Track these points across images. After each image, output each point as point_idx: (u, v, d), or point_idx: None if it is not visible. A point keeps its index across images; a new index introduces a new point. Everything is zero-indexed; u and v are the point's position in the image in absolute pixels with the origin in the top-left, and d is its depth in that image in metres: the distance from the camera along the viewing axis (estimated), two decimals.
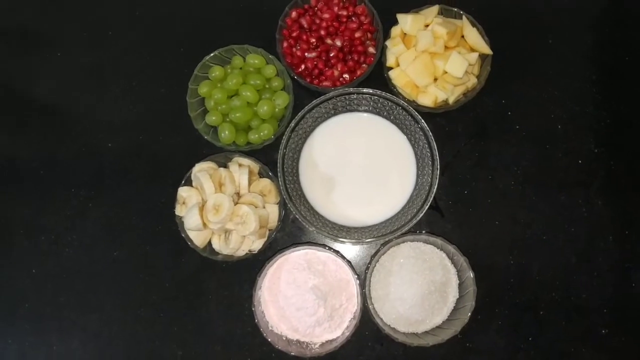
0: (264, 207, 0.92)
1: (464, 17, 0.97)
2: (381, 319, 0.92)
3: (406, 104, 0.94)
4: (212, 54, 0.98)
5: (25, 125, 1.09)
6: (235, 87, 0.97)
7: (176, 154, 1.03)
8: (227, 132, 0.96)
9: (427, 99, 0.94)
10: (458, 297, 0.93)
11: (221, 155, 0.96)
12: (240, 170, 0.91)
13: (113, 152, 1.05)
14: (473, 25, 0.96)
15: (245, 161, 0.94)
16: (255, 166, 0.95)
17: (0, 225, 1.05)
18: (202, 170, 0.91)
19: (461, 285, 0.94)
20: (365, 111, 0.99)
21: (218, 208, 0.88)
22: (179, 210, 0.92)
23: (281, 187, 0.92)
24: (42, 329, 1.01)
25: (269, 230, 0.94)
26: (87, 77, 1.10)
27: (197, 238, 0.92)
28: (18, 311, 1.02)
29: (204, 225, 0.89)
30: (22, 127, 1.09)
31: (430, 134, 0.93)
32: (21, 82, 1.11)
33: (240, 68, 1.00)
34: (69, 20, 1.14)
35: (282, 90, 0.98)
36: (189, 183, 0.94)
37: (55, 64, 1.11)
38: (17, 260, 1.04)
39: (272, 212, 0.92)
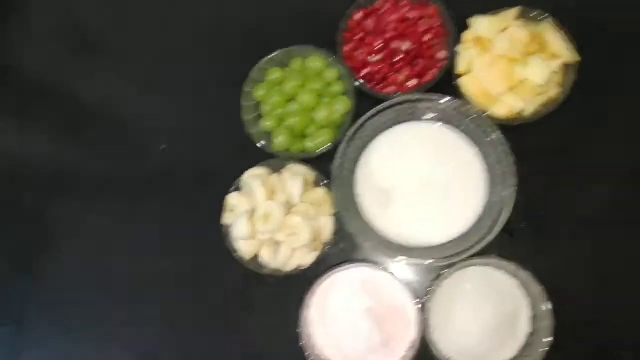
0: (317, 219, 0.88)
1: (547, 20, 0.92)
2: (441, 352, 0.85)
3: (479, 114, 0.89)
4: (270, 56, 0.98)
5: (76, 129, 1.12)
6: (293, 91, 0.96)
7: (226, 160, 1.02)
8: (281, 138, 0.94)
9: (501, 110, 0.90)
10: (531, 331, 0.86)
11: (275, 161, 0.95)
12: (293, 178, 0.89)
13: (163, 156, 1.05)
14: (557, 29, 0.91)
15: (300, 169, 0.93)
16: (310, 175, 0.93)
17: (46, 230, 1.07)
18: (253, 177, 0.88)
19: (535, 319, 0.87)
20: (431, 120, 0.95)
21: (268, 217, 0.85)
22: (227, 218, 0.91)
23: (336, 200, 0.89)
24: (80, 338, 1.01)
25: (322, 244, 0.90)
26: (139, 78, 1.12)
27: (245, 248, 0.90)
28: (57, 319, 1.02)
29: (253, 234, 0.85)
30: (70, 132, 1.12)
31: (506, 146, 0.87)
32: (73, 85, 1.14)
33: (300, 71, 0.98)
34: (126, 21, 1.16)
35: (342, 95, 0.96)
36: (238, 190, 0.92)
37: (108, 65, 1.13)
38: (60, 267, 1.05)
39: (326, 225, 0.90)
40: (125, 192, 1.06)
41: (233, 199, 0.91)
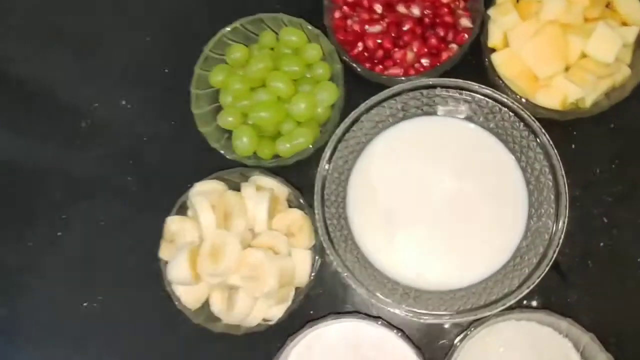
0: (290, 255, 0.66)
1: None
2: None
3: (518, 106, 0.68)
4: (231, 26, 0.76)
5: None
6: (261, 75, 0.74)
7: (175, 167, 0.80)
8: (245, 140, 0.72)
9: (551, 98, 0.68)
10: None
11: (234, 172, 0.72)
12: (258, 195, 0.67)
13: (93, 160, 0.83)
14: None
15: (268, 182, 0.70)
16: (282, 191, 0.71)
17: None
18: (201, 194, 0.65)
19: None
20: (452, 115, 0.73)
21: (218, 252, 0.63)
22: (165, 251, 0.68)
23: (318, 224, 0.68)
24: None
25: (296, 289, 0.69)
26: (65, 52, 0.89)
27: (188, 295, 0.68)
28: None
29: (196, 277, 0.63)
30: None
31: (556, 152, 0.66)
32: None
33: (272, 48, 0.77)
34: None
35: (328, 80, 0.74)
36: (183, 211, 0.70)
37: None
38: None
39: (302, 262, 0.67)
40: (48, 210, 0.82)
41: (173, 225, 0.68)
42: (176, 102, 0.78)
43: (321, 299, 0.74)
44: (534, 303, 0.72)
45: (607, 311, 0.71)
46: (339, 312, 0.72)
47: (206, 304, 0.70)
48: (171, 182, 0.77)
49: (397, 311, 0.67)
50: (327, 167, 0.70)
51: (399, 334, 0.67)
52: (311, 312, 0.74)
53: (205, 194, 0.68)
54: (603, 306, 0.72)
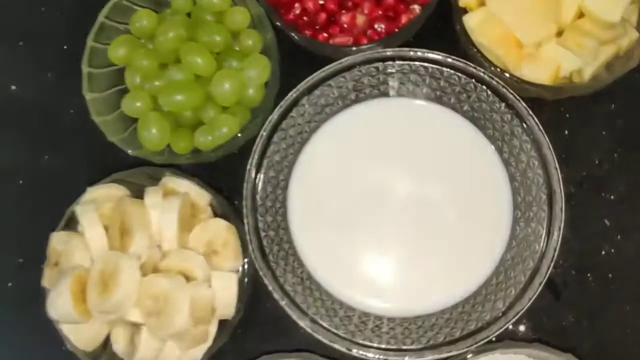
0: (209, 281, 0.51)
1: None
2: None
3: (498, 82, 0.54)
4: None
5: None
6: (173, 48, 0.58)
7: (71, 169, 0.64)
8: (155, 131, 0.56)
9: (539, 71, 0.55)
10: None
11: (138, 173, 0.56)
12: (165, 203, 0.51)
13: None
14: None
15: (182, 185, 0.55)
16: (202, 196, 0.56)
17: None
18: (90, 203, 0.51)
19: None
20: (417, 96, 0.59)
21: (108, 281, 0.47)
22: (49, 278, 0.53)
23: (249, 237, 0.53)
24: None
25: (221, 323, 0.53)
26: None
27: (80, 334, 0.52)
28: None
29: (84, 313, 0.48)
30: None
31: (547, 140, 0.53)
32: None
33: (188, 14, 0.61)
34: None
35: (259, 53, 0.59)
36: (74, 225, 0.55)
37: None
38: None
39: (226, 289, 0.52)
40: None
41: (59, 243, 0.52)
42: (78, 86, 0.61)
43: (255, 334, 0.60)
44: (522, 328, 0.59)
45: (611, 337, 0.58)
46: (278, 350, 0.57)
47: (108, 342, 0.54)
48: (63, 188, 0.60)
49: (349, 349, 0.51)
50: (258, 164, 0.55)
51: None
52: (241, 351, 0.58)
53: (96, 202, 0.53)
54: (606, 331, 0.58)
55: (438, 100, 0.59)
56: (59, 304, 0.49)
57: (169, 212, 0.51)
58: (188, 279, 0.51)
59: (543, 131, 0.54)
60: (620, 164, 0.62)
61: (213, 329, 0.53)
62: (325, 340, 0.53)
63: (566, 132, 0.62)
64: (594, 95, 0.61)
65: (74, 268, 0.51)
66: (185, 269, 0.51)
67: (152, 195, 0.53)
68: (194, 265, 0.51)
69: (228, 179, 0.62)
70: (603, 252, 0.60)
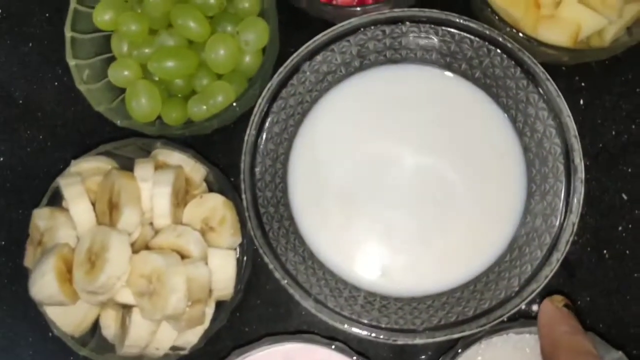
0: (205, 258, 0.47)
1: None
2: None
3: (513, 45, 0.50)
4: None
5: None
6: (165, 11, 0.54)
7: (57, 140, 0.61)
8: (144, 100, 0.53)
9: (558, 32, 0.51)
10: None
11: (127, 144, 0.52)
12: (157, 176, 0.48)
13: None
14: None
15: (175, 157, 0.51)
16: (197, 169, 0.52)
17: None
18: (75, 176, 0.47)
19: None
20: (426, 62, 0.55)
21: (97, 259, 0.44)
22: (31, 258, 0.49)
23: (247, 214, 0.50)
24: None
25: (218, 304, 0.50)
26: None
27: (67, 318, 0.48)
28: None
29: (71, 294, 0.45)
30: None
31: (566, 107, 0.50)
32: None
33: None
34: None
35: (256, 16, 0.55)
36: (56, 201, 0.51)
37: None
38: None
39: (224, 268, 0.49)
40: None
41: (41, 220, 0.48)
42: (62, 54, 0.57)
43: (254, 317, 0.57)
44: (535, 308, 0.56)
45: (629, 316, 0.55)
46: (278, 332, 0.54)
47: (97, 327, 0.51)
48: (47, 163, 0.59)
49: (356, 330, 0.49)
50: (256, 135, 0.51)
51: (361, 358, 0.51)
52: (240, 334, 0.56)
53: (82, 175, 0.49)
54: (623, 310, 0.56)
55: (448, 66, 0.55)
56: (43, 285, 0.45)
57: (161, 185, 0.47)
58: (183, 257, 0.47)
59: (562, 97, 0.50)
60: (637, 135, 0.58)
61: (210, 310, 0.50)
62: (330, 321, 0.49)
63: (581, 102, 0.59)
64: (611, 63, 0.59)
65: (58, 246, 0.46)
66: (179, 246, 0.47)
67: (143, 168, 0.49)
68: (190, 242, 0.47)
69: (224, 153, 0.59)
70: (620, 228, 0.57)
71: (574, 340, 0.45)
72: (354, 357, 0.50)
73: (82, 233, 0.47)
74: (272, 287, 0.57)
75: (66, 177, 0.49)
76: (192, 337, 0.49)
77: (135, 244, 0.48)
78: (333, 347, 0.50)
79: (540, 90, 0.51)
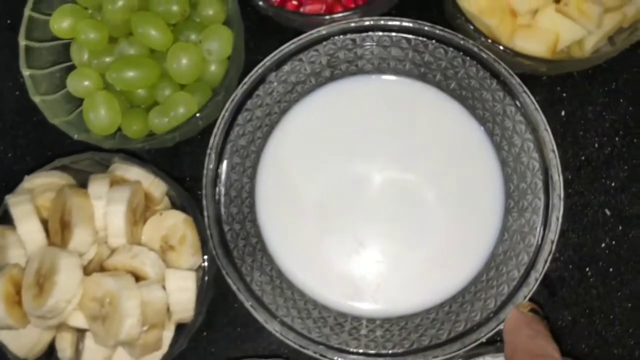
0: (162, 282, 0.45)
1: None
2: None
3: (489, 55, 0.49)
4: None
5: None
6: (124, 17, 0.51)
7: (9, 156, 0.59)
8: (103, 112, 0.51)
9: (535, 42, 0.49)
10: None
11: (83, 158, 0.50)
12: (112, 194, 0.45)
13: None
14: None
15: (134, 172, 0.49)
16: (156, 185, 0.49)
17: None
18: (24, 193, 0.45)
19: None
20: (399, 73, 0.53)
21: (44, 282, 0.42)
22: None
23: (209, 232, 0.48)
24: None
25: (178, 327, 0.48)
26: None
27: (20, 341, 0.46)
28: None
29: (21, 318, 0.43)
30: None
31: (544, 119, 0.48)
32: None
33: None
34: None
35: (221, 24, 0.53)
36: (8, 221, 0.48)
37: None
38: None
39: (183, 290, 0.46)
40: None
41: None
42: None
43: (221, 337, 0.55)
44: None
45: (613, 338, 0.53)
46: (245, 356, 0.53)
47: (53, 350, 0.49)
48: (7, 175, 0.56)
49: (325, 356, 0.47)
50: (220, 147, 0.50)
51: None
52: (206, 355, 0.54)
53: (34, 192, 0.47)
54: (606, 331, 0.53)
55: (422, 77, 0.53)
56: None
57: (116, 203, 0.45)
58: (139, 278, 0.45)
59: (540, 110, 0.48)
60: (621, 148, 0.56)
61: (169, 334, 0.47)
62: (296, 346, 0.47)
63: (563, 113, 0.57)
64: (594, 73, 0.57)
65: (7, 267, 0.44)
66: (135, 267, 0.45)
67: (97, 184, 0.46)
68: (145, 263, 0.45)
69: (191, 166, 0.57)
70: (603, 245, 0.55)
71: (533, 344, 0.44)
72: None
73: (31, 254, 0.44)
74: (239, 306, 0.54)
75: (15, 195, 0.46)
76: None
77: (90, 264, 0.46)
78: None
79: (517, 103, 0.50)
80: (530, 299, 0.50)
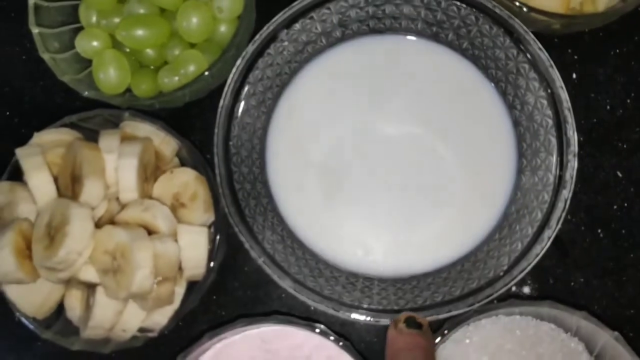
0: (174, 236, 0.45)
1: None
2: None
3: (502, 11, 0.48)
4: None
5: None
6: None
7: (18, 116, 0.58)
8: (113, 71, 0.50)
9: None
10: None
11: (93, 115, 0.49)
12: (123, 148, 0.45)
13: None
14: None
15: (144, 129, 0.48)
16: (167, 142, 0.49)
17: None
18: (33, 148, 0.45)
19: None
20: (411, 32, 0.52)
21: (56, 233, 0.41)
22: None
23: (222, 190, 0.48)
24: None
25: (190, 284, 0.48)
26: None
27: (28, 298, 0.46)
28: None
29: (31, 271, 0.43)
30: None
31: (558, 76, 0.48)
32: None
33: None
34: None
35: None
36: (17, 176, 0.48)
37: None
38: None
39: (195, 246, 0.46)
40: None
41: (1, 194, 0.45)
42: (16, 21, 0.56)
43: (231, 300, 0.54)
44: (526, 290, 0.53)
45: (625, 298, 0.53)
46: (254, 314, 0.52)
47: (62, 309, 0.49)
48: (13, 139, 0.52)
49: (336, 311, 0.46)
50: (230, 106, 0.49)
51: (341, 343, 0.47)
52: (216, 318, 0.53)
53: (44, 147, 0.46)
54: (619, 291, 0.53)
55: (434, 37, 0.52)
56: (0, 261, 0.43)
57: (127, 157, 0.44)
58: (150, 232, 0.44)
59: (554, 66, 0.48)
60: (633, 109, 0.56)
61: (181, 290, 0.47)
62: (309, 302, 0.47)
63: (574, 75, 0.56)
64: (605, 35, 0.57)
65: (17, 221, 0.44)
66: (146, 221, 0.44)
67: (108, 139, 0.46)
68: (157, 217, 0.44)
69: (200, 128, 0.56)
70: (615, 206, 0.55)
71: (409, 357, 0.42)
72: (334, 339, 0.46)
73: (41, 207, 0.44)
74: (250, 269, 0.54)
75: (25, 148, 0.46)
76: (161, 318, 0.46)
77: (101, 220, 0.45)
78: (315, 330, 0.47)
79: (531, 59, 0.49)
80: (545, 263, 0.51)
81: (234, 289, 0.55)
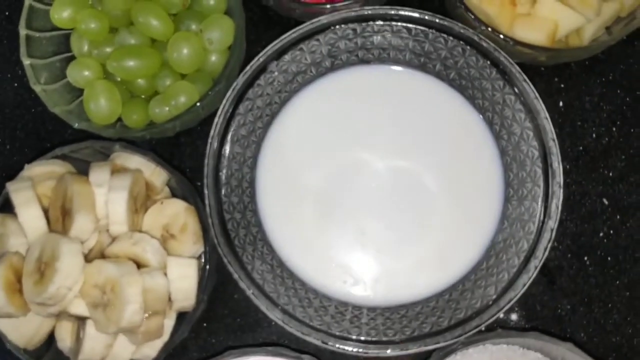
0: (164, 269, 0.45)
1: None
2: None
3: (489, 44, 0.49)
4: None
5: None
6: (124, 7, 0.51)
7: (9, 147, 0.58)
8: (104, 102, 0.50)
9: (534, 31, 0.49)
10: None
11: (83, 147, 0.49)
12: (114, 181, 0.45)
13: None
14: None
15: (134, 161, 0.49)
16: (157, 174, 0.49)
17: None
18: (23, 181, 0.45)
19: None
20: (399, 62, 0.53)
21: (45, 269, 0.42)
22: None
23: (211, 221, 0.48)
24: None
25: (180, 316, 0.48)
26: None
27: (19, 330, 0.46)
28: None
29: (21, 305, 0.43)
30: None
31: (543, 108, 0.48)
32: None
33: None
34: None
35: (222, 14, 0.52)
36: (9, 208, 0.48)
37: None
38: None
39: (185, 278, 0.46)
40: None
41: None
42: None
43: (221, 327, 0.55)
44: (514, 317, 0.54)
45: (611, 326, 0.54)
46: (243, 345, 0.53)
47: (53, 339, 0.49)
48: (5, 167, 0.56)
49: (325, 343, 0.46)
50: (221, 137, 0.49)
51: None
52: (207, 345, 0.54)
53: (35, 180, 0.46)
54: (605, 319, 0.54)
55: (422, 67, 0.53)
56: None
57: (117, 190, 0.45)
58: (140, 266, 0.44)
59: (539, 98, 0.48)
60: (618, 138, 0.57)
61: (170, 322, 0.47)
62: (298, 333, 0.47)
63: (561, 104, 0.57)
64: (591, 64, 0.58)
65: (7, 254, 0.44)
66: (136, 254, 0.45)
67: (98, 172, 0.46)
68: (147, 250, 0.45)
69: (191, 157, 0.57)
70: (601, 234, 0.56)
71: None
72: None
73: (32, 241, 0.44)
74: (239, 296, 0.55)
75: (16, 182, 0.46)
76: (150, 351, 0.46)
77: (91, 253, 0.45)
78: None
79: (517, 91, 0.50)
80: (533, 291, 0.51)
81: (224, 316, 0.55)
